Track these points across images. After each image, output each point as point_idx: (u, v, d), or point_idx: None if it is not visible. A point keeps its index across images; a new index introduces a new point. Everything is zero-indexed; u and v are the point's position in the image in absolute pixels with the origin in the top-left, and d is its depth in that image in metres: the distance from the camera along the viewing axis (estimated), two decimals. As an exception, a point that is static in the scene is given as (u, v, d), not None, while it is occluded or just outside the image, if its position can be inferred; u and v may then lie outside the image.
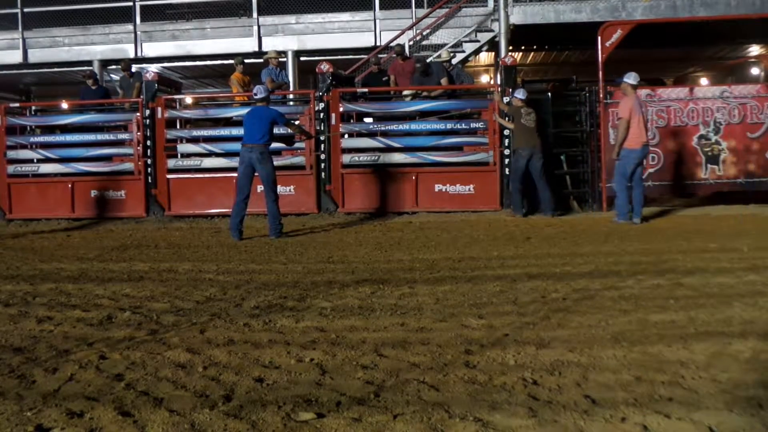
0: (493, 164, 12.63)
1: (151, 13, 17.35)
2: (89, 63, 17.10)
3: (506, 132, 12.32)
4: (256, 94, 10.23)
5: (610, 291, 5.63)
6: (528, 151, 11.82)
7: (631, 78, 11.00)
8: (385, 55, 15.16)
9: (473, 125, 13.07)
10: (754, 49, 19.34)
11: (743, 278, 5.99)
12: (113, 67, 17.93)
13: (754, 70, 20.23)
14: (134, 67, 15.86)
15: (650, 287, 5.76)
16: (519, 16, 15.58)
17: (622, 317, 4.77)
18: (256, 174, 9.93)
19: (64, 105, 15.54)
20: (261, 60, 15.08)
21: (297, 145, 12.35)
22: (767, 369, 3.64)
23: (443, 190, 12.69)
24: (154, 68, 16.43)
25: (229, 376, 3.76)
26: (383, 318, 4.99)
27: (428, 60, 14.09)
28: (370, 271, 7.00)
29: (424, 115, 13.15)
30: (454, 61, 14.47)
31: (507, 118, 12.08)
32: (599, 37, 12.74)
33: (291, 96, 14.68)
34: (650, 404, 3.20)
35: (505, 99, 12.27)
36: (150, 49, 17.07)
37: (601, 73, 12.65)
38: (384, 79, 13.97)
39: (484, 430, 2.98)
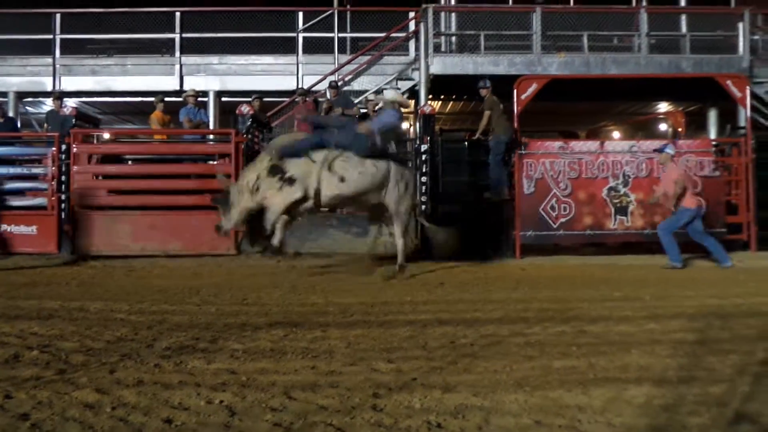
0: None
1: (72, 47, 17.15)
2: (5, 94, 16.78)
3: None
4: None
5: (517, 337, 5.80)
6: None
7: (670, 149, 11.90)
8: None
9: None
10: (663, 106, 20.19)
11: (643, 326, 6.25)
12: (29, 99, 17.66)
13: (663, 126, 21.08)
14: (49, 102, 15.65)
15: (555, 334, 5.95)
16: (439, 66, 15.99)
17: (526, 363, 4.93)
18: None
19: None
20: (181, 99, 15.09)
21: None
22: (659, 414, 3.84)
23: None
24: (72, 103, 16.26)
25: (137, 417, 3.77)
26: (294, 361, 5.04)
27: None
28: (284, 314, 7.04)
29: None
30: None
31: None
32: (515, 90, 13.15)
33: (211, 136, 14.69)
34: (547, 447, 3.35)
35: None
36: (69, 83, 16.85)
37: (516, 123, 13.04)
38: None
39: (387, 471, 3.07)
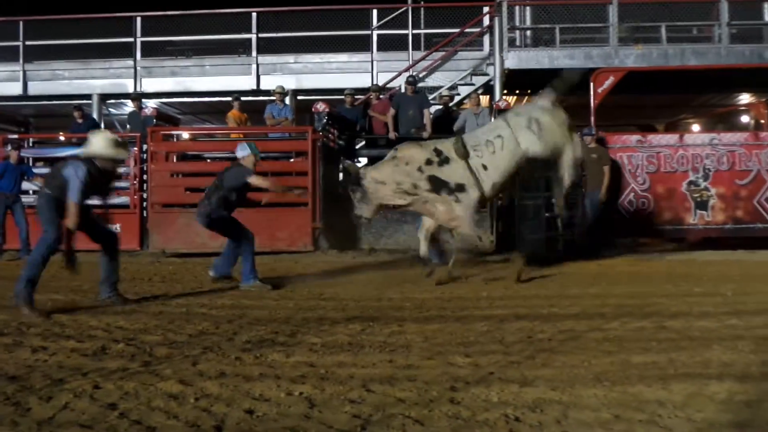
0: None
1: (152, 50, 17.55)
2: (88, 97, 17.24)
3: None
4: None
5: (595, 332, 5.75)
6: None
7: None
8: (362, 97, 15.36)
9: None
10: (745, 98, 19.63)
11: (725, 322, 6.13)
12: (112, 101, 18.15)
13: (744, 118, 20.50)
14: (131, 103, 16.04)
15: (634, 329, 5.88)
16: (514, 60, 15.84)
17: (604, 358, 4.88)
18: None
19: (62, 137, 15.68)
20: (259, 98, 15.32)
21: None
22: (741, 410, 3.77)
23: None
24: (152, 104, 16.67)
25: (220, 408, 3.86)
26: (372, 354, 5.10)
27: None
28: (361, 309, 7.11)
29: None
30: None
31: None
32: (592, 83, 13.01)
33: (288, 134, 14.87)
34: (627, 442, 3.32)
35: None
36: (149, 85, 17.25)
37: (593, 118, 12.89)
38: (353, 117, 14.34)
39: (466, 463, 3.09)
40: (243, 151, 9.20)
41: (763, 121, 17.85)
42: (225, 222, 8.96)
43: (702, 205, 12.80)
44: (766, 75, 15.74)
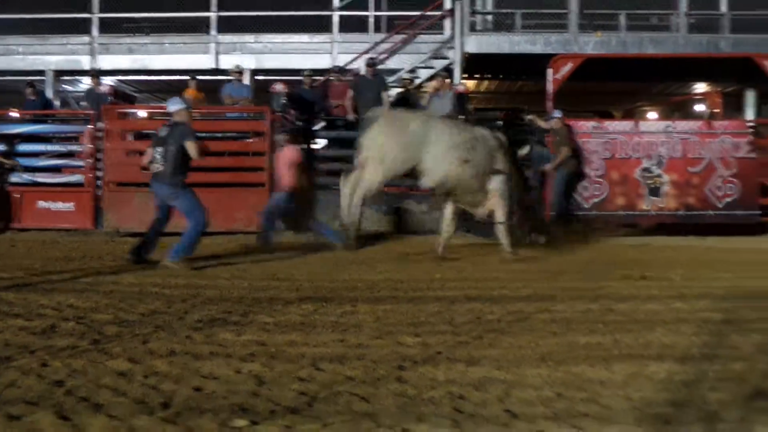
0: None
1: (109, 26, 17.30)
2: (43, 73, 16.98)
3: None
4: None
5: (543, 314, 5.85)
6: None
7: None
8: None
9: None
10: (700, 87, 19.92)
11: (670, 305, 6.27)
12: (67, 78, 17.88)
13: (700, 107, 20.80)
14: (88, 80, 15.82)
15: (582, 312, 5.99)
16: (474, 45, 15.91)
17: (551, 339, 4.98)
18: None
19: (15, 114, 15.39)
20: (218, 77, 15.19)
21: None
22: (678, 389, 3.88)
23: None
24: (109, 81, 16.46)
25: (168, 385, 3.87)
26: (323, 334, 5.13)
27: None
28: (314, 289, 7.14)
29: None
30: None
31: None
32: (550, 69, 13.10)
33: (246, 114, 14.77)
34: (567, 419, 3.41)
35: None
36: (106, 62, 17.00)
37: (551, 103, 12.99)
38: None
39: (408, 439, 3.15)
40: (176, 105, 8.92)
41: (717, 111, 18.12)
42: (186, 195, 8.79)
43: (655, 191, 12.98)
44: (721, 65, 16.02)
